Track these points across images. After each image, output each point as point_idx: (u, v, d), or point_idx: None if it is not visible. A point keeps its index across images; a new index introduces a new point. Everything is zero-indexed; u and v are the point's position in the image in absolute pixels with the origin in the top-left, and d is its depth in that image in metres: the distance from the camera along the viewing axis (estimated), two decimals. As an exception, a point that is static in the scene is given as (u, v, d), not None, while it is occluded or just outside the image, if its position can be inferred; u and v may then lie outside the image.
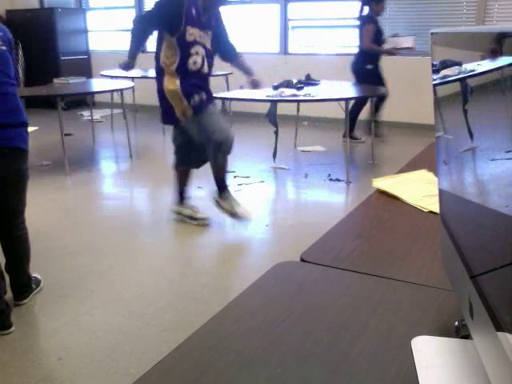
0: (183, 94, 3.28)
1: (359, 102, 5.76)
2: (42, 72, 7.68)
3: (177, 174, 3.63)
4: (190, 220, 3.57)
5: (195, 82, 3.32)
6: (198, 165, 3.59)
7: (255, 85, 3.70)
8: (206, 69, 3.36)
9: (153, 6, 3.32)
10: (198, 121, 3.32)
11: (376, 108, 5.67)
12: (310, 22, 7.33)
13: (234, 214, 3.51)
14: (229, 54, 3.62)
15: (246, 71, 3.67)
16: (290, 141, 5.87)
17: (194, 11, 3.25)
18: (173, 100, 3.34)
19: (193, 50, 3.27)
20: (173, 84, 3.30)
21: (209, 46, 3.38)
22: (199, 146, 3.40)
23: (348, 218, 1.27)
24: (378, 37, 5.58)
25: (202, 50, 3.31)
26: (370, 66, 5.61)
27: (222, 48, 3.55)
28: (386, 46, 5.65)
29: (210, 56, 3.42)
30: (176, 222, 3.60)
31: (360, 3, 5.67)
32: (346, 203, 4.15)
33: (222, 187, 3.52)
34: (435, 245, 1.08)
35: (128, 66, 3.49)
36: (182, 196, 3.63)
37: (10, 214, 2.48)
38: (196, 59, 3.29)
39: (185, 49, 3.26)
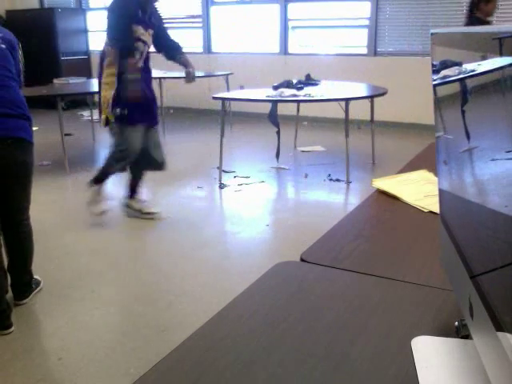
0: (112, 101, 3.36)
1: None
2: (42, 72, 7.66)
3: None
4: (141, 214, 3.73)
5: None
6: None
7: (188, 75, 3.80)
8: (142, 64, 3.43)
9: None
10: (118, 131, 3.47)
11: None
12: (309, 22, 7.33)
13: (144, 212, 3.72)
14: (173, 51, 3.69)
15: (186, 64, 3.77)
16: (290, 141, 5.86)
17: (139, 11, 3.35)
18: (103, 104, 3.44)
19: (136, 45, 3.35)
20: (109, 86, 3.37)
21: (150, 43, 3.47)
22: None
23: (348, 218, 1.27)
24: None
25: (143, 47, 3.40)
26: None
27: (165, 45, 3.64)
28: None
29: (147, 54, 3.51)
30: (126, 216, 3.74)
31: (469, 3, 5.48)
32: (345, 203, 4.15)
33: (134, 192, 3.75)
34: (435, 245, 1.08)
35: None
36: (134, 191, 3.76)
37: (14, 209, 2.46)
38: (136, 55, 3.38)
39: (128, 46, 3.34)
